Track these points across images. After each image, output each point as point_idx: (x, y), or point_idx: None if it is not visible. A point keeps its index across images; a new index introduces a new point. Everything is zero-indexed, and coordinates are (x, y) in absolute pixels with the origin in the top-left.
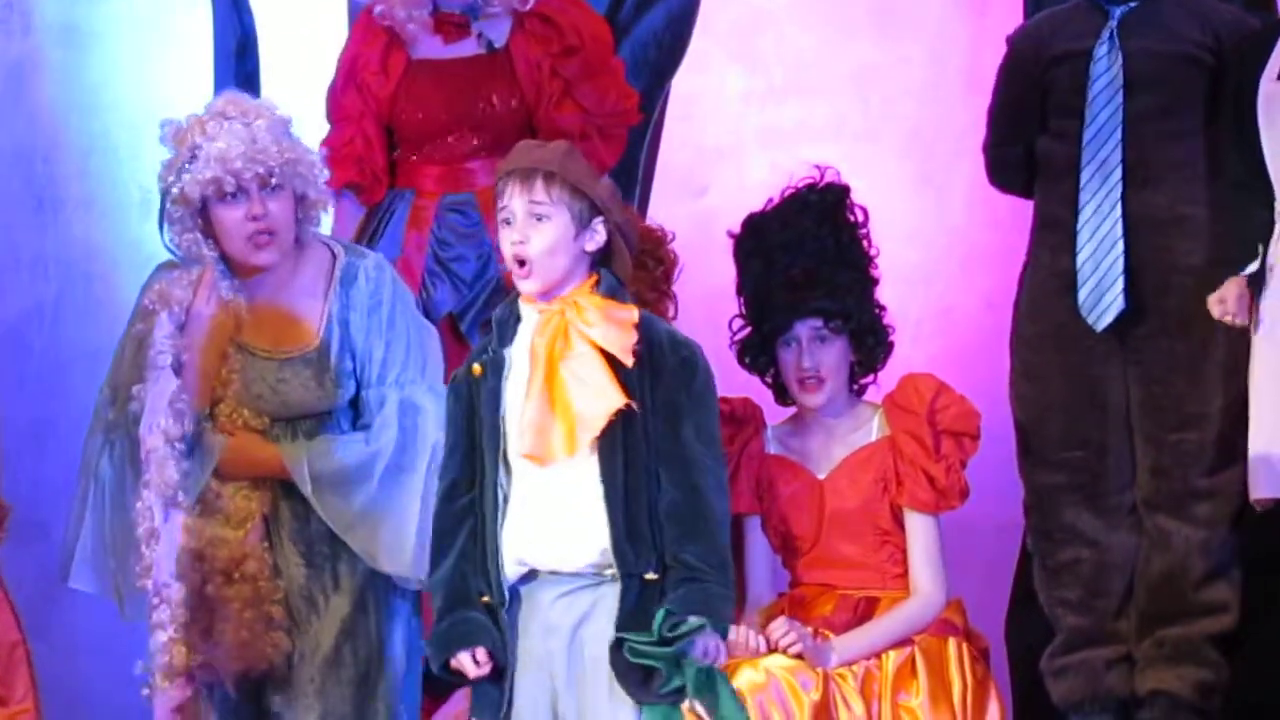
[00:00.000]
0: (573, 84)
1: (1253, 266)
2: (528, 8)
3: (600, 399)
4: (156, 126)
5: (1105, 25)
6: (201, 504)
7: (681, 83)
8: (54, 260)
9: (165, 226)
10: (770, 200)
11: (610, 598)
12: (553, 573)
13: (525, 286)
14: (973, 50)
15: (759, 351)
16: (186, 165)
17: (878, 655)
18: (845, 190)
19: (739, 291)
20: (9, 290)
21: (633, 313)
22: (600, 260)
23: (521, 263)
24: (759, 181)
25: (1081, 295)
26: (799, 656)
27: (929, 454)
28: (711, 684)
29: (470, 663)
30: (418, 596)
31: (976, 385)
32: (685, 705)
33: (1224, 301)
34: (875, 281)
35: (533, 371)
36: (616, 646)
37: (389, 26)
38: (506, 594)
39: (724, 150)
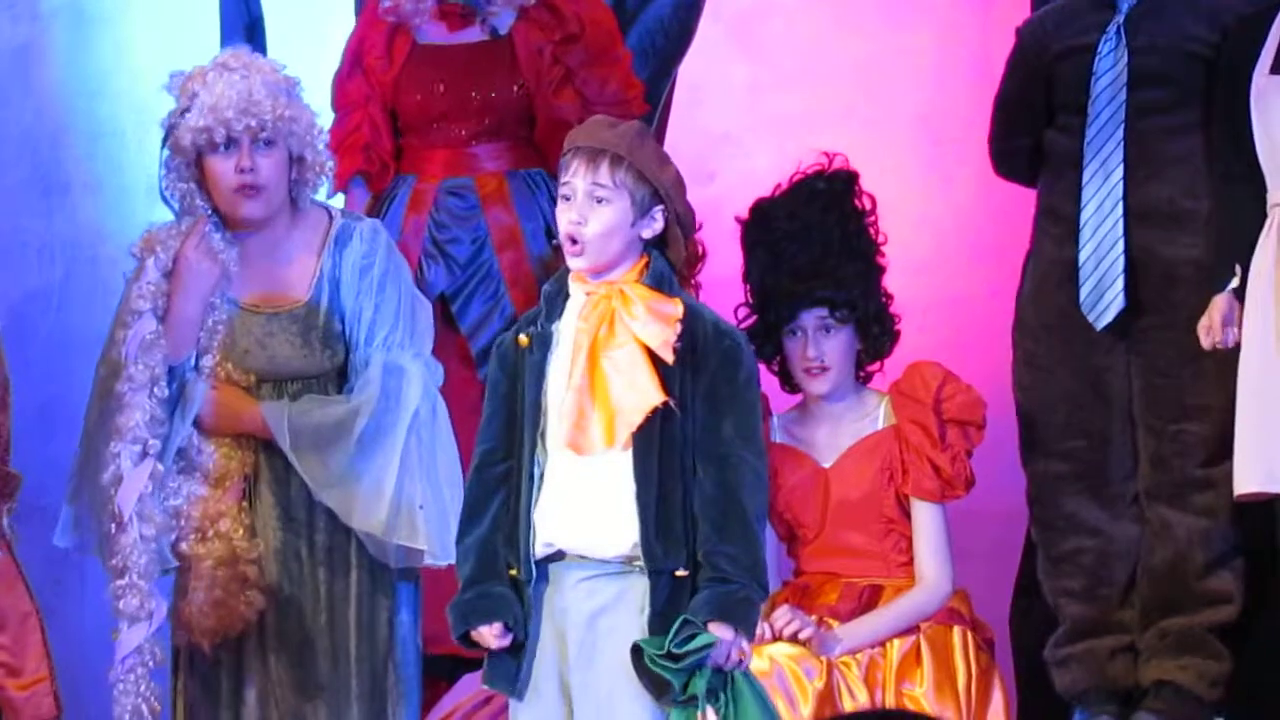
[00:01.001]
0: (573, 71)
1: (1234, 282)
2: (532, 1)
3: (640, 395)
4: (164, 112)
5: (1112, 20)
6: (182, 460)
7: (689, 70)
8: (60, 244)
9: (162, 176)
10: (778, 186)
11: (636, 590)
12: (580, 557)
13: (575, 264)
14: (981, 39)
15: (764, 340)
16: (184, 114)
17: (882, 644)
18: (853, 177)
19: (745, 280)
20: (16, 274)
21: (678, 307)
22: (654, 244)
23: (574, 240)
24: (766, 169)
25: (1083, 293)
26: (803, 641)
27: (934, 443)
28: (732, 688)
29: (490, 636)
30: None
31: (984, 374)
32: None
33: (1210, 330)
34: (882, 270)
35: (574, 359)
36: (636, 652)
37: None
38: (534, 570)
39: (731, 138)
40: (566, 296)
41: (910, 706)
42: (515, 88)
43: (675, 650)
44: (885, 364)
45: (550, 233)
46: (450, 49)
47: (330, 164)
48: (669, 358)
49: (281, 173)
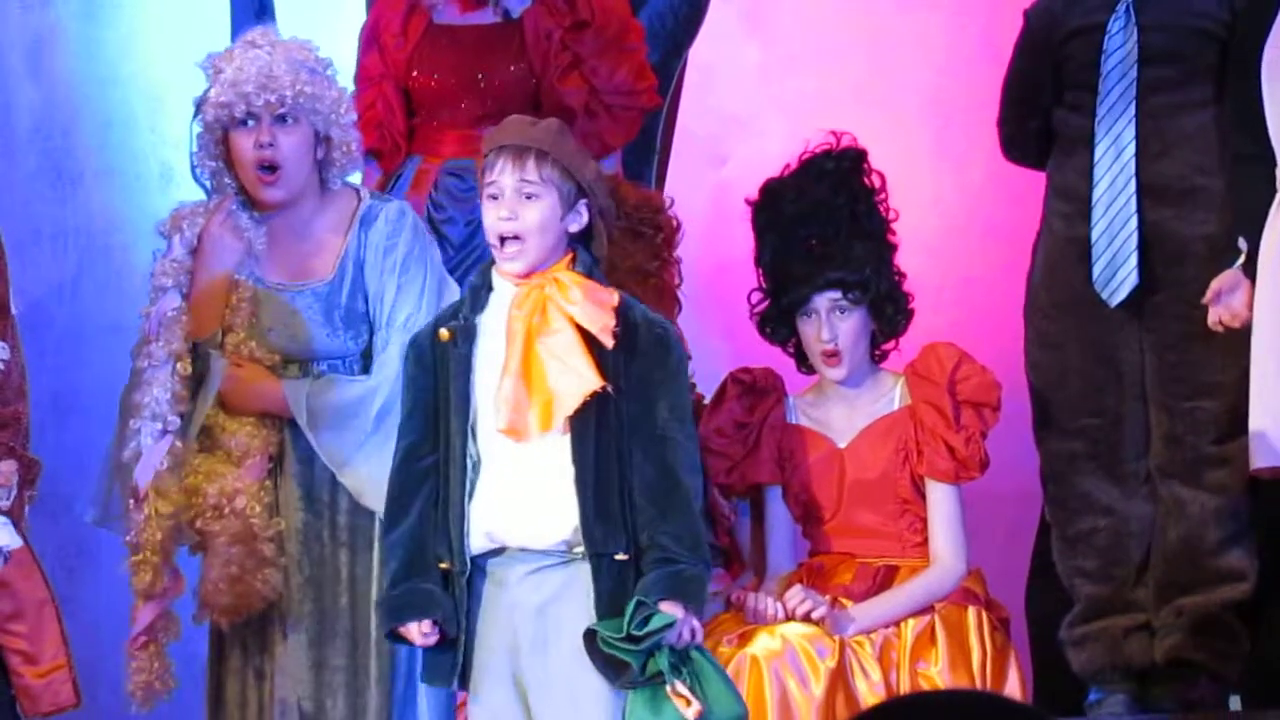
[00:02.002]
0: (582, 59)
1: (1240, 260)
2: None
3: (577, 379)
4: (176, 99)
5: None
6: (205, 438)
7: (700, 53)
8: (74, 233)
9: (193, 154)
10: (786, 166)
11: (581, 578)
12: (522, 549)
13: (511, 267)
14: (992, 19)
15: (778, 323)
16: (210, 91)
17: (897, 624)
18: (862, 155)
19: (757, 263)
20: (29, 263)
21: (613, 295)
22: (578, 240)
23: (504, 240)
24: (778, 152)
25: (1096, 270)
26: (816, 621)
27: (949, 424)
28: (690, 665)
29: (418, 633)
30: None
31: (996, 354)
32: (668, 688)
33: (1215, 305)
34: (894, 247)
35: (509, 346)
36: (590, 636)
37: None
38: (468, 563)
39: (743, 120)
40: (490, 289)
41: (925, 686)
42: (522, 71)
43: (635, 633)
44: (901, 343)
45: None
46: (462, 30)
47: (357, 143)
48: (609, 342)
49: (304, 151)
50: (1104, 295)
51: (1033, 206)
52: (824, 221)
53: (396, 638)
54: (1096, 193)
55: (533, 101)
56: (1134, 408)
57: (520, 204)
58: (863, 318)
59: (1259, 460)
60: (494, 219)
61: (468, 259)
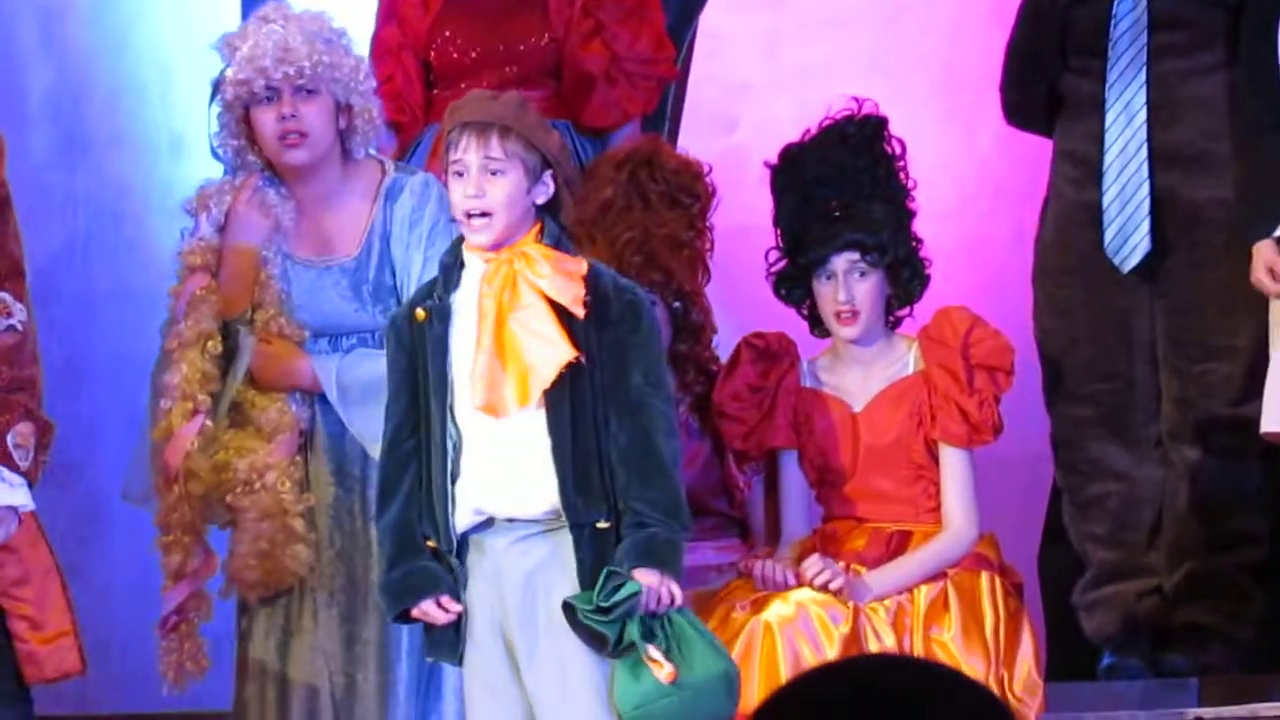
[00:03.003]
0: (604, 25)
1: (1278, 230)
2: None
3: (551, 351)
4: (185, 67)
5: None
6: (236, 413)
7: (710, 19)
8: (84, 201)
9: (213, 135)
10: (808, 131)
11: (567, 546)
12: (509, 520)
13: (479, 239)
14: None
15: (794, 284)
16: (227, 70)
17: (910, 589)
18: (883, 121)
19: (775, 223)
20: (39, 231)
21: (581, 264)
22: (545, 210)
23: (471, 215)
24: (788, 118)
25: (1107, 236)
26: (833, 591)
27: (962, 388)
28: (669, 629)
29: (436, 610)
30: None
31: (1010, 318)
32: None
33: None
34: (912, 214)
35: (481, 323)
36: (569, 609)
37: None
38: (455, 540)
39: (753, 87)
40: (462, 267)
41: (939, 652)
42: (546, 39)
43: (603, 604)
44: (915, 309)
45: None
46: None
47: (378, 110)
48: (579, 312)
49: (327, 120)
50: (1116, 261)
51: (1042, 171)
52: (844, 184)
53: (406, 620)
54: (1108, 159)
55: (555, 69)
56: (1145, 372)
57: (486, 180)
58: (879, 281)
59: (1270, 424)
60: (460, 196)
61: None
